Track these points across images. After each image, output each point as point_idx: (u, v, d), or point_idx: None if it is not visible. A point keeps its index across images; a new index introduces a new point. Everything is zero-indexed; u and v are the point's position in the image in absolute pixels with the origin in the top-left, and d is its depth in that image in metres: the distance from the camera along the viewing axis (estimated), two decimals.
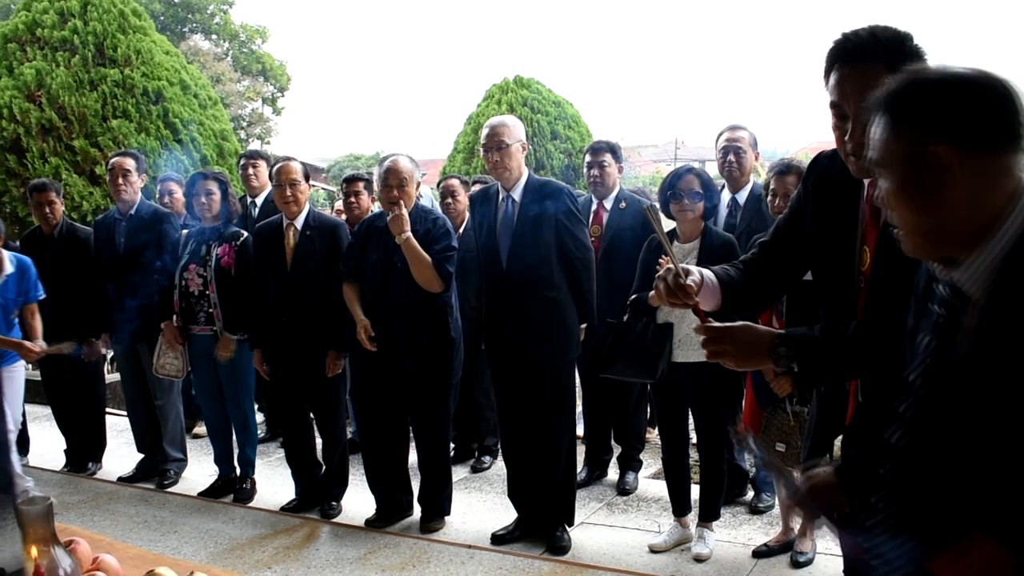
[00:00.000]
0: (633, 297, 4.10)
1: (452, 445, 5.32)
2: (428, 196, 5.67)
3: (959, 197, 1.33)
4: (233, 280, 4.84)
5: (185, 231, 5.08)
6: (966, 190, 1.32)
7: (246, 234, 4.94)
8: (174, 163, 9.36)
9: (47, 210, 5.41)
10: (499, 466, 5.38)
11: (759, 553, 4.09)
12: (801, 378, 1.95)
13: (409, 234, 4.17)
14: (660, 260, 3.98)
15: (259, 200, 6.05)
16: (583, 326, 4.31)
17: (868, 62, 1.82)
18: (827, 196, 2.13)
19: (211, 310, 4.87)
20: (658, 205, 4.19)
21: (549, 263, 4.09)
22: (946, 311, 1.42)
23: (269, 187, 5.26)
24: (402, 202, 4.20)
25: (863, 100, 1.60)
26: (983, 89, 1.33)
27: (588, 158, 5.07)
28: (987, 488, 1.30)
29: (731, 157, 4.65)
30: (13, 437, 4.62)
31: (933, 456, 1.37)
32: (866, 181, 1.99)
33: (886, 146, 1.39)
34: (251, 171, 6.13)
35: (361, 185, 5.54)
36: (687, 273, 1.99)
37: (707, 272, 2.12)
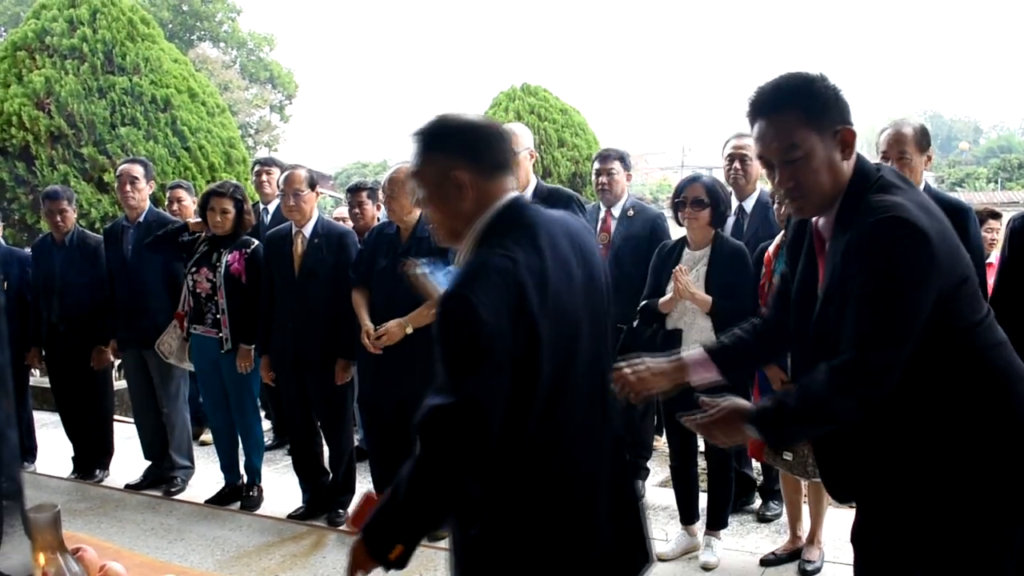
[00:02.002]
0: (643, 303, 4.11)
1: None
2: None
3: (468, 205, 1.88)
4: (243, 288, 4.83)
5: (200, 235, 5.06)
6: (473, 200, 1.87)
7: (256, 242, 4.93)
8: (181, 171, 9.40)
9: (58, 218, 5.43)
10: None
11: (766, 561, 4.07)
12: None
13: (407, 324, 4.20)
14: (674, 269, 3.99)
15: (271, 207, 6.06)
16: None
17: (783, 111, 1.97)
18: (795, 235, 2.28)
19: (219, 315, 4.86)
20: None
21: None
22: None
23: None
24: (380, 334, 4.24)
25: (783, 147, 1.96)
26: (486, 131, 1.93)
27: (597, 165, 5.07)
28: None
29: (736, 164, 4.65)
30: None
31: None
32: (813, 220, 2.12)
33: (422, 167, 1.92)
34: (264, 178, 6.16)
35: (364, 195, 5.55)
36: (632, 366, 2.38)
37: (693, 352, 2.48)
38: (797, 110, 1.95)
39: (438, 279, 2.44)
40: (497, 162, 1.91)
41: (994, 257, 4.92)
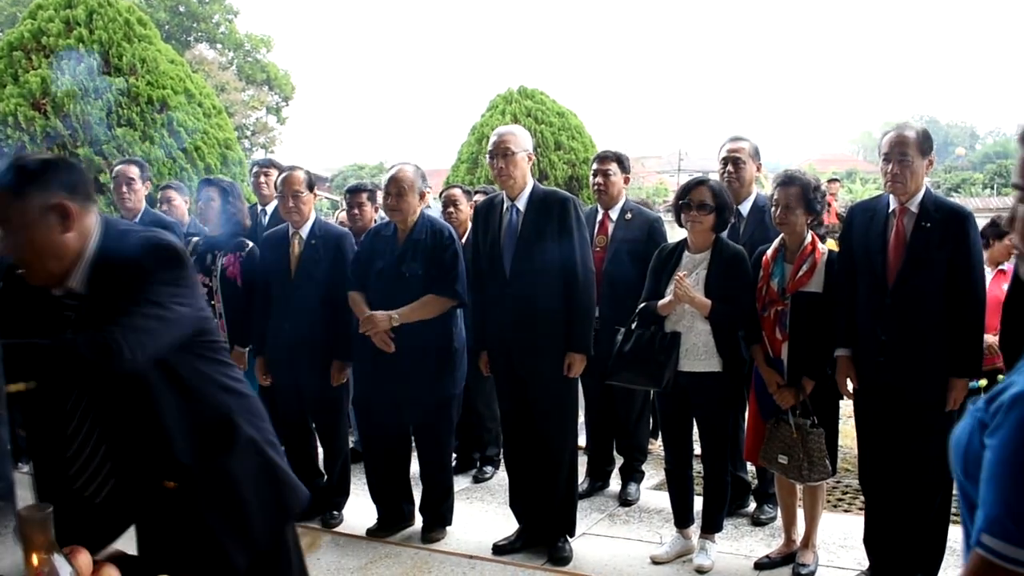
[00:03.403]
0: (642, 305, 4.10)
1: (454, 455, 5.31)
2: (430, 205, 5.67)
3: (72, 236, 2.01)
4: (239, 291, 4.82)
5: (196, 238, 5.05)
6: (76, 231, 2.01)
7: (251, 244, 4.92)
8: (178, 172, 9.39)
9: None
10: (501, 476, 5.37)
11: (761, 565, 4.07)
12: None
13: (395, 316, 4.19)
14: (677, 273, 3.99)
15: (269, 208, 6.04)
16: (578, 354, 4.13)
17: None
18: None
19: (216, 320, 4.82)
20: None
21: (553, 273, 4.09)
22: (75, 310, 2.08)
23: None
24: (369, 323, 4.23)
25: None
26: (72, 166, 2.10)
27: (595, 166, 5.08)
28: None
29: (730, 168, 4.65)
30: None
31: None
32: None
33: (18, 207, 1.96)
34: (263, 179, 6.12)
35: (364, 196, 5.54)
36: None
37: None
38: None
39: None
40: (89, 193, 2.08)
41: (1007, 265, 4.93)
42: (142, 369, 2.02)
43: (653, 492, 5.23)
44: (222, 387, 2.22)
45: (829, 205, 6.10)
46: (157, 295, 2.01)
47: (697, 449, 4.34)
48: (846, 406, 4.05)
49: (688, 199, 4.02)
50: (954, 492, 4.31)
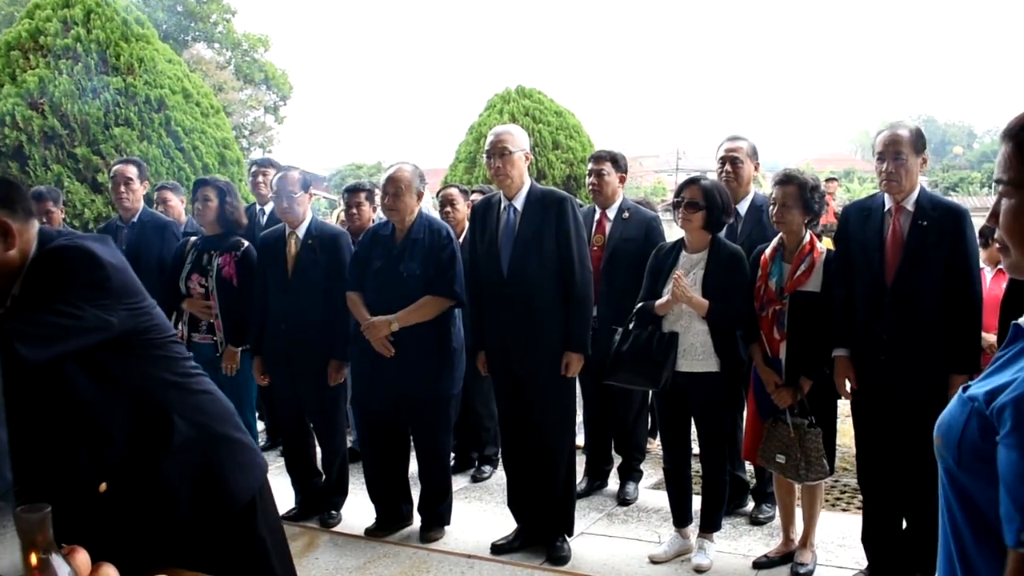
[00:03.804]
0: (639, 305, 4.10)
1: (452, 455, 5.31)
2: (426, 204, 5.67)
3: (14, 253, 1.99)
4: (235, 290, 4.81)
5: (193, 238, 5.04)
6: (17, 248, 2.00)
7: (247, 244, 4.90)
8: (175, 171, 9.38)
9: (43, 219, 5.40)
10: (499, 476, 5.37)
11: (759, 564, 4.08)
12: None
13: (395, 321, 4.19)
14: (675, 273, 3.99)
15: (268, 208, 6.03)
16: (575, 354, 4.14)
17: None
18: None
19: (212, 320, 4.83)
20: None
21: (551, 273, 4.09)
22: None
23: None
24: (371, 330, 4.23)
25: None
26: (8, 182, 2.07)
27: (589, 166, 5.08)
28: None
29: (728, 167, 4.64)
30: None
31: None
32: None
33: None
34: (260, 179, 6.12)
35: (362, 195, 5.54)
36: None
37: None
38: None
39: None
40: (29, 209, 2.07)
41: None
42: (42, 366, 1.98)
43: (651, 491, 5.23)
44: (166, 384, 2.19)
45: (827, 204, 6.11)
46: (67, 296, 1.99)
47: (695, 448, 4.34)
48: (844, 405, 4.05)
49: (680, 197, 4.03)
50: None
